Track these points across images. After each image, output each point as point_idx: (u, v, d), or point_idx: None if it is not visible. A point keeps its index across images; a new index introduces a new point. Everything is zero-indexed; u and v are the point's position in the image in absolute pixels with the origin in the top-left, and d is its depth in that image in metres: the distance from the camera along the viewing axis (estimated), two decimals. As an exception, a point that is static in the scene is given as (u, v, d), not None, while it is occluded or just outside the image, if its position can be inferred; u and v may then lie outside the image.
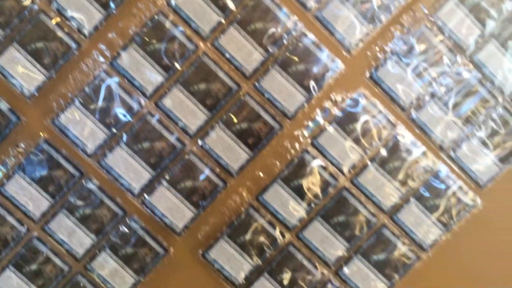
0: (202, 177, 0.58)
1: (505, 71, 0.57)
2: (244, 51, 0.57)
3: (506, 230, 0.59)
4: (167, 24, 0.56)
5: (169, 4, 0.56)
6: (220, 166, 0.59)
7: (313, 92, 0.58)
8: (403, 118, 0.58)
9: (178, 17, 0.56)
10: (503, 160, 0.58)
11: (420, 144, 0.58)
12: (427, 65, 0.57)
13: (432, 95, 0.57)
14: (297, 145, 0.58)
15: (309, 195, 0.58)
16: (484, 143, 0.58)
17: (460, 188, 0.58)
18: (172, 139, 0.58)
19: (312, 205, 0.59)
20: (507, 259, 0.59)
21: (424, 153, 0.58)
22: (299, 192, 0.59)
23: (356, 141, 0.58)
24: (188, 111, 0.58)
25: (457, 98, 0.57)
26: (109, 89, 0.57)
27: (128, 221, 0.59)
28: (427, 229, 0.58)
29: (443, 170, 0.58)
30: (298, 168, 0.58)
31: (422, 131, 0.58)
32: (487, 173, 0.58)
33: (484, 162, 0.58)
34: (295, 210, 0.58)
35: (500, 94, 0.57)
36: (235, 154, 0.58)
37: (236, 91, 0.58)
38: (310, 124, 0.58)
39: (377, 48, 0.57)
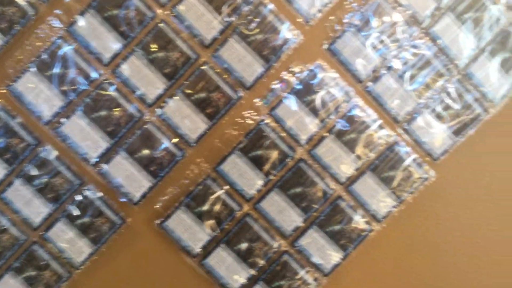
0: (160, 146, 0.58)
1: (460, 44, 0.58)
2: (203, 19, 0.57)
3: (459, 202, 0.60)
4: (125, -9, 0.56)
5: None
6: (179, 135, 0.58)
7: (272, 63, 0.58)
8: (359, 90, 0.58)
9: (136, -16, 0.56)
10: (457, 132, 0.59)
11: (376, 116, 0.58)
12: (384, 37, 0.57)
13: (388, 68, 0.58)
14: (255, 115, 0.59)
15: (267, 166, 0.59)
16: (438, 116, 0.58)
17: (415, 160, 0.59)
18: (129, 108, 0.57)
19: (270, 176, 0.59)
20: (459, 230, 0.60)
21: (379, 126, 0.58)
22: (257, 163, 0.59)
23: (314, 112, 0.58)
24: (146, 79, 0.57)
25: (413, 71, 0.58)
26: (65, 56, 0.56)
27: (84, 190, 0.58)
28: (382, 201, 0.59)
29: (398, 142, 0.59)
30: (256, 139, 0.59)
31: (377, 103, 0.59)
32: (441, 146, 0.59)
33: (438, 135, 0.59)
34: (253, 181, 0.59)
35: (455, 67, 0.58)
36: (193, 124, 0.58)
37: (195, 60, 0.57)
38: (269, 95, 0.58)
39: (335, 20, 0.57)
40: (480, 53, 0.58)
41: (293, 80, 0.58)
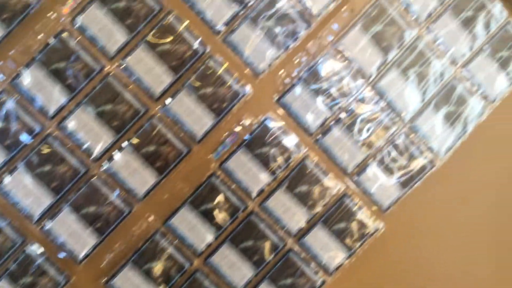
0: (106, 202, 0.56)
1: (405, 98, 0.59)
2: (152, 72, 0.56)
3: (407, 253, 0.61)
4: (71, 44, 0.55)
5: (73, 24, 0.54)
6: (126, 190, 0.57)
7: (222, 115, 0.57)
8: (310, 142, 0.59)
9: (83, 37, 0.55)
10: (404, 184, 0.60)
11: (325, 168, 0.59)
12: (333, 90, 0.58)
13: (337, 121, 0.59)
14: (205, 169, 0.58)
15: (218, 219, 0.58)
16: (386, 168, 0.59)
17: (364, 212, 0.59)
18: (75, 162, 0.56)
19: (221, 230, 0.58)
20: (408, 280, 0.61)
21: (329, 178, 0.59)
22: (208, 217, 0.58)
23: (265, 164, 0.58)
24: (92, 133, 0.56)
25: (361, 124, 0.59)
26: (8, 109, 0.54)
27: (27, 248, 0.56)
28: (332, 253, 0.59)
29: (348, 194, 0.59)
30: (207, 193, 0.58)
31: (327, 156, 0.59)
32: (389, 197, 0.60)
33: (386, 187, 0.59)
34: (204, 235, 0.58)
35: (401, 120, 0.59)
36: (141, 178, 0.57)
37: (144, 113, 0.57)
38: (219, 147, 0.58)
39: (285, 73, 0.58)
40: (425, 106, 0.60)
41: (244, 132, 0.58)
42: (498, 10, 0.60)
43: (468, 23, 0.60)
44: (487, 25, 0.60)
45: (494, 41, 0.60)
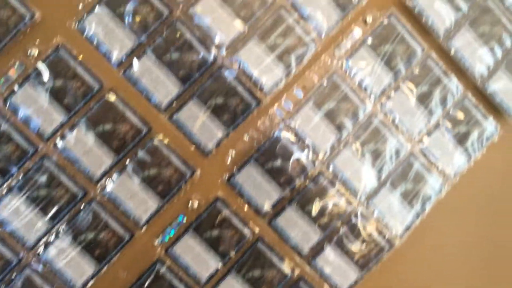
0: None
1: (361, 176, 0.57)
2: (91, 153, 0.52)
3: None
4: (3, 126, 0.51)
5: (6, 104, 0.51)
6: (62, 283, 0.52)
7: (168, 198, 0.54)
8: (262, 224, 0.55)
9: (14, 117, 0.51)
10: (362, 266, 0.57)
11: (279, 250, 0.55)
12: (285, 169, 0.55)
13: (290, 200, 0.56)
14: (149, 255, 0.54)
15: (164, 309, 0.54)
16: (343, 250, 0.56)
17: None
18: (6, 252, 0.51)
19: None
20: None
21: (283, 260, 0.55)
22: (153, 306, 0.54)
23: (214, 248, 0.54)
24: (25, 220, 0.52)
25: (316, 203, 0.56)
26: None
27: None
28: None
29: (304, 277, 0.56)
30: (152, 282, 0.54)
31: (281, 238, 0.56)
32: (347, 280, 0.57)
33: (343, 269, 0.56)
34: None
35: (357, 200, 0.57)
36: (79, 269, 0.52)
37: (82, 197, 0.53)
38: (168, 229, 0.54)
39: (234, 152, 0.55)
40: (382, 185, 0.57)
41: (192, 215, 0.55)
42: (454, 84, 0.58)
43: (423, 98, 0.58)
44: (443, 100, 0.58)
45: (451, 117, 0.59)
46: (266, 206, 0.56)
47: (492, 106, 0.60)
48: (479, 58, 0.58)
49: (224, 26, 0.54)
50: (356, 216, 0.57)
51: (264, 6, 0.55)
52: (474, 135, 0.59)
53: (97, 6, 0.52)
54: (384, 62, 0.57)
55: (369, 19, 0.57)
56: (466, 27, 0.58)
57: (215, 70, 0.54)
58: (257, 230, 0.55)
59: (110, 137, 0.53)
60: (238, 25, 0.54)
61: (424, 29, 0.58)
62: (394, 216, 0.58)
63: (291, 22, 0.55)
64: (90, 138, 0.52)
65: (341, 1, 0.56)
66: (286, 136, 0.56)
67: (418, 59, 0.58)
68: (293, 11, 0.56)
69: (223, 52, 0.54)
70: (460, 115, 0.59)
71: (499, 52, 0.59)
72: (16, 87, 0.51)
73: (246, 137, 0.55)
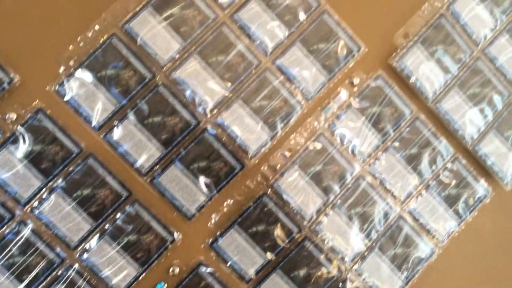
0: None
1: (350, 240, 0.55)
2: (69, 219, 0.51)
3: None
4: None
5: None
6: None
7: (148, 265, 0.52)
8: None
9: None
10: (350, 337, 0.55)
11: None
12: (270, 234, 0.54)
13: (275, 266, 0.54)
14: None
15: None
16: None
17: None
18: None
19: None
20: None
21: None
22: None
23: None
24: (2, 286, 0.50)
25: (302, 269, 0.54)
26: None
27: None
28: None
29: None
30: None
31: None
32: None
33: None
34: None
35: (345, 265, 0.55)
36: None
37: (59, 263, 0.51)
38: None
39: (217, 217, 0.53)
40: (370, 250, 0.55)
41: (173, 281, 0.53)
42: (443, 146, 0.57)
43: (413, 160, 0.57)
44: (433, 162, 0.57)
45: (441, 179, 0.57)
46: (251, 272, 0.54)
47: (483, 169, 0.58)
48: (469, 120, 0.57)
49: (208, 89, 0.53)
50: (344, 282, 0.55)
51: (249, 69, 0.54)
52: (465, 197, 0.58)
53: (78, 70, 0.51)
54: (372, 124, 0.56)
55: (356, 81, 0.56)
56: (455, 89, 0.57)
57: (198, 133, 0.53)
58: (240, 296, 0.54)
59: (89, 201, 0.51)
60: (223, 88, 0.53)
61: (412, 91, 0.57)
62: (383, 281, 0.56)
63: (277, 84, 0.54)
64: (68, 203, 0.51)
65: (328, 63, 0.55)
66: (271, 200, 0.54)
67: (406, 121, 0.57)
68: (278, 73, 0.55)
69: (207, 115, 0.53)
70: (451, 178, 0.57)
71: (490, 114, 0.58)
72: (-7, 151, 0.50)
73: (230, 201, 0.54)
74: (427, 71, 0.57)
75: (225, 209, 0.54)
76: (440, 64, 0.57)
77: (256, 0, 0.54)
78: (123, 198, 0.52)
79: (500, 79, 0.58)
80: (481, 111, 0.58)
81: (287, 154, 0.55)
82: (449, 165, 0.57)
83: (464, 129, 0.57)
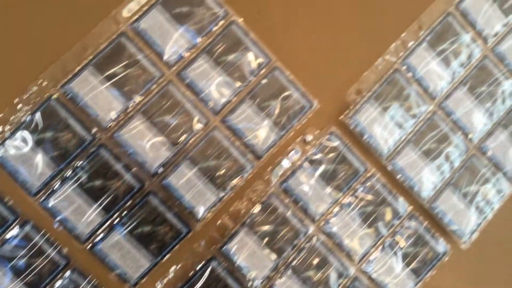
0: None
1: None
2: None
3: None
4: None
5: None
6: None
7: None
8: None
9: None
10: None
11: None
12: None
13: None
14: None
15: None
16: None
17: None
18: None
19: None
20: None
21: None
22: None
23: None
24: None
25: None
26: None
27: None
28: None
29: None
30: None
31: None
32: None
33: None
34: None
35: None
36: None
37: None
38: None
39: (161, 285, 0.51)
40: None
41: None
42: (400, 204, 0.56)
43: (368, 218, 0.55)
44: (389, 220, 0.55)
45: (398, 237, 0.56)
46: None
47: (441, 226, 0.57)
48: (426, 177, 0.56)
49: (153, 151, 0.51)
50: None
51: (196, 129, 0.52)
52: (423, 256, 0.56)
53: (16, 132, 0.49)
54: (326, 182, 0.54)
55: (309, 138, 0.54)
56: (410, 145, 0.56)
57: (142, 196, 0.51)
58: None
59: (26, 271, 0.49)
60: (168, 149, 0.51)
61: (367, 148, 0.55)
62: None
63: (227, 144, 0.53)
64: (3, 273, 0.48)
65: (279, 120, 0.54)
66: (220, 264, 0.52)
67: (360, 178, 0.55)
68: (228, 132, 0.53)
69: (152, 177, 0.51)
70: (408, 236, 0.56)
71: (446, 170, 0.56)
72: None
73: (176, 267, 0.52)
74: (381, 128, 0.55)
75: (170, 275, 0.51)
76: (395, 120, 0.56)
77: (204, 57, 0.52)
78: (60, 267, 0.49)
79: (457, 134, 0.57)
80: (438, 167, 0.56)
81: (237, 215, 0.53)
82: (406, 223, 0.56)
83: (420, 186, 0.56)
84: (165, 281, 0.51)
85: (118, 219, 0.50)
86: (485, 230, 0.57)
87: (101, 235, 0.50)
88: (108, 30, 0.51)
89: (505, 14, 0.59)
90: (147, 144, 0.51)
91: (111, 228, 0.50)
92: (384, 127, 0.55)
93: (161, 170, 0.51)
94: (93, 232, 0.50)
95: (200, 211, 0.52)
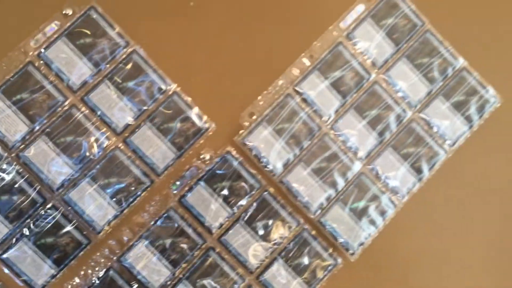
0: None
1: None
2: None
3: None
4: None
5: None
6: None
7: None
8: None
9: None
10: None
11: None
12: None
13: None
14: None
15: None
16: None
17: None
18: None
19: None
20: None
21: None
22: None
23: None
24: None
25: None
26: None
27: None
28: None
29: None
30: None
31: None
32: None
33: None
34: None
35: None
36: None
37: None
38: None
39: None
40: None
41: None
42: (291, 218, 0.60)
43: (262, 229, 0.59)
44: (283, 234, 0.60)
45: (289, 251, 0.60)
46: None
47: (329, 239, 0.61)
48: (316, 193, 0.60)
49: (56, 168, 0.56)
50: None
51: (99, 149, 0.57)
52: (314, 267, 0.60)
53: None
54: (223, 199, 0.59)
55: (206, 157, 0.59)
56: (301, 164, 0.60)
57: (46, 209, 0.55)
58: None
59: None
60: (70, 167, 0.56)
61: (260, 167, 0.60)
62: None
63: (127, 162, 0.57)
64: None
65: (178, 141, 0.59)
66: (118, 274, 0.56)
67: (255, 194, 0.60)
68: (128, 151, 0.58)
69: (54, 193, 0.56)
70: (300, 249, 0.60)
71: (333, 189, 0.61)
72: None
73: (79, 275, 0.56)
74: (273, 148, 0.60)
75: (75, 282, 0.56)
76: (286, 141, 0.60)
77: (106, 83, 0.58)
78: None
79: (347, 154, 0.62)
80: (327, 183, 0.61)
81: (136, 228, 0.58)
82: (297, 237, 0.60)
83: (311, 201, 0.60)
84: (69, 286, 0.56)
85: (24, 231, 0.55)
86: (373, 243, 0.61)
87: (8, 245, 0.55)
88: (17, 59, 0.56)
89: (395, 43, 0.64)
90: (50, 162, 0.56)
91: (17, 240, 0.55)
92: (275, 148, 0.60)
93: (63, 186, 0.56)
94: (3, 241, 0.55)
95: (100, 224, 0.57)
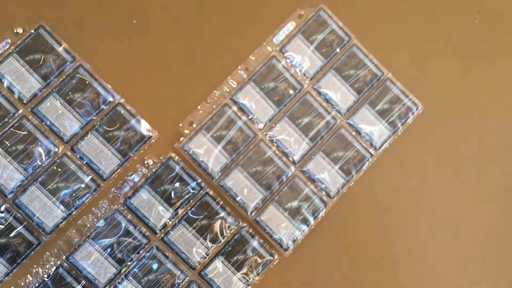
0: None
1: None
2: None
3: None
4: None
5: None
6: None
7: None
8: None
9: None
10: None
11: None
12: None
13: None
14: None
15: None
16: None
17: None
18: None
19: None
20: None
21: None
22: None
23: None
24: None
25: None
26: None
27: None
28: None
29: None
30: None
31: None
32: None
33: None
34: None
35: None
36: None
37: None
38: None
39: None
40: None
41: None
42: (231, 218, 0.65)
43: (203, 231, 0.64)
44: (221, 233, 0.65)
45: (228, 250, 0.65)
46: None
47: (265, 238, 0.66)
48: (253, 195, 0.65)
49: (8, 174, 0.60)
50: None
51: (47, 156, 0.61)
52: (251, 262, 0.65)
53: None
54: (164, 199, 0.64)
55: (150, 162, 0.64)
56: (238, 168, 0.66)
57: (-2, 213, 0.60)
58: None
59: None
60: (21, 173, 0.61)
61: (200, 171, 0.65)
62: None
63: (74, 168, 0.62)
64: None
65: (122, 148, 0.63)
66: (66, 272, 0.61)
67: (196, 196, 0.65)
68: (76, 158, 0.62)
69: (7, 196, 0.60)
70: (239, 246, 0.65)
71: (268, 194, 0.66)
72: None
73: (31, 273, 0.61)
74: (212, 154, 0.65)
75: (28, 279, 0.60)
76: (223, 147, 0.65)
77: (54, 96, 0.62)
78: None
79: (282, 158, 0.67)
80: (263, 185, 0.66)
81: (83, 229, 0.62)
82: (236, 235, 0.65)
83: (247, 202, 0.65)
84: (22, 283, 0.60)
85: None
86: (305, 240, 0.67)
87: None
88: (-31, 74, 0.61)
89: (324, 56, 0.69)
90: (2, 169, 0.60)
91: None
92: (214, 154, 0.65)
93: (15, 191, 0.61)
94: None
95: (50, 225, 0.61)
